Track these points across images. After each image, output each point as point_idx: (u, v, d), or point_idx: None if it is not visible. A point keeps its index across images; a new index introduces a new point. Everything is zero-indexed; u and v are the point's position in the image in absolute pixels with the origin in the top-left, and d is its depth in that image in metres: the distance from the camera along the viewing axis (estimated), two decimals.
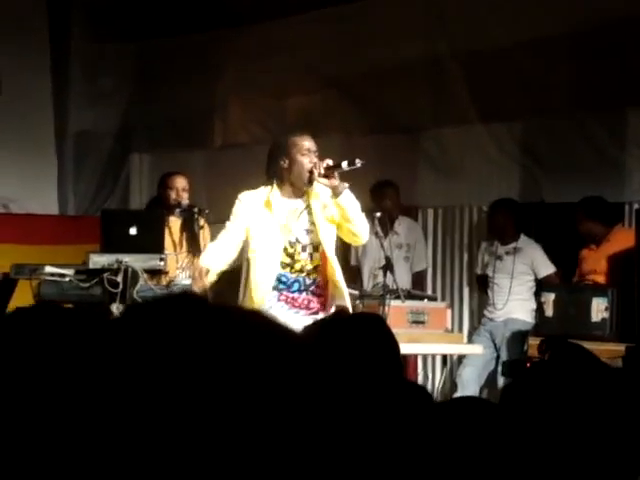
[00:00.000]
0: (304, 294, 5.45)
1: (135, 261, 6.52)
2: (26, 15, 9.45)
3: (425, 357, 8.15)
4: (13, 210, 9.26)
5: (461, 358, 7.72)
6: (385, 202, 7.75)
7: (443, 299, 7.94)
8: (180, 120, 9.30)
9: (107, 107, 9.65)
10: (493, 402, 2.31)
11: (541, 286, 7.45)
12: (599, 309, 6.62)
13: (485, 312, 7.81)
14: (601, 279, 7.11)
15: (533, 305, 7.49)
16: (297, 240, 5.44)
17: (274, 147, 5.53)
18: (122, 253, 6.52)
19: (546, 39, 7.52)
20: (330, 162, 5.34)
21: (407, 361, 7.17)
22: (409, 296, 6.77)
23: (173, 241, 7.08)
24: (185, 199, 7.16)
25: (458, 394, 7.20)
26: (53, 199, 9.59)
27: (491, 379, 7.69)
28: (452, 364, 7.98)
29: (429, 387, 7.82)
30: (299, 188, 5.43)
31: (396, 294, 6.59)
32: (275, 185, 5.44)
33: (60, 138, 9.64)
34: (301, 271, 5.45)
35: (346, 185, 5.34)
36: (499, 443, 1.95)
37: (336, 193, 5.32)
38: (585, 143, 7.46)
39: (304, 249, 5.45)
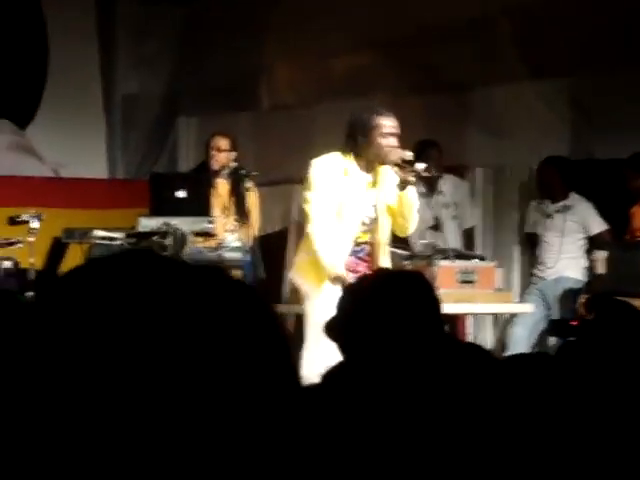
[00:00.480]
0: (351, 258, 5.48)
1: (184, 224, 6.56)
2: None
3: (475, 317, 8.13)
4: (63, 175, 9.32)
5: (511, 317, 7.70)
6: (428, 162, 7.69)
7: (493, 258, 7.90)
8: (227, 83, 9.29)
9: (154, 71, 9.66)
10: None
11: (592, 244, 7.39)
12: None
13: (535, 271, 7.77)
14: None
15: (584, 263, 7.44)
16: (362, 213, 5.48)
17: (357, 123, 5.49)
18: (171, 216, 6.56)
19: None
20: (410, 155, 5.36)
21: (457, 321, 7.16)
22: (458, 256, 6.74)
23: (221, 203, 7.09)
24: (221, 159, 7.14)
25: (509, 353, 7.17)
26: (102, 163, 9.64)
27: (542, 338, 7.66)
28: (503, 323, 7.96)
29: None
30: (372, 164, 5.46)
31: (445, 254, 6.57)
32: (352, 157, 5.45)
33: (108, 102, 9.67)
34: (356, 241, 5.50)
35: (413, 181, 5.36)
36: (558, 400, 1.94)
37: (403, 186, 5.36)
38: (634, 98, 7.36)
39: (364, 223, 5.48)
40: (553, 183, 7.58)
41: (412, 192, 5.43)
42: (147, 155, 9.71)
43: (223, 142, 7.21)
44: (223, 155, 7.17)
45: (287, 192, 8.45)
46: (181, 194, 6.74)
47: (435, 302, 2.40)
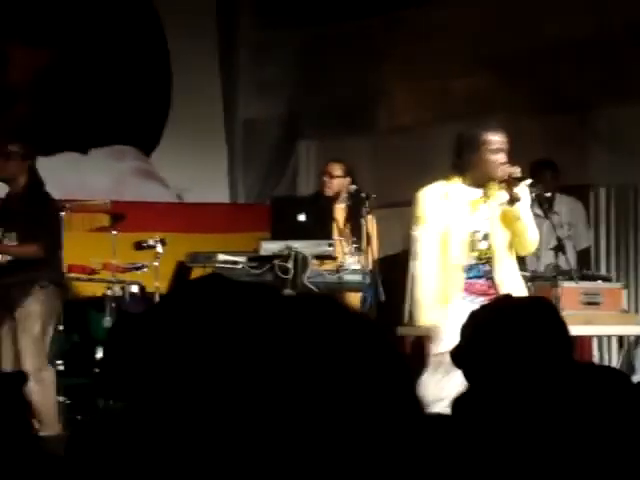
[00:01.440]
0: (482, 280, 5.37)
1: (305, 247, 6.60)
2: (194, 6, 9.64)
3: (600, 339, 7.99)
4: (187, 199, 9.47)
5: (638, 339, 7.54)
6: (544, 182, 7.59)
7: (618, 279, 7.76)
8: (346, 106, 9.34)
9: (275, 95, 9.76)
10: None
11: None
12: None
13: None
14: None
15: None
16: (476, 230, 5.39)
17: (464, 140, 5.41)
18: (292, 240, 6.61)
19: None
20: (519, 171, 5.27)
21: (582, 343, 7.04)
22: (582, 277, 6.63)
23: (339, 227, 7.12)
24: (334, 186, 7.17)
25: (636, 376, 7.04)
26: (224, 188, 9.76)
27: None
28: (629, 345, 7.81)
29: None
30: (481, 180, 5.39)
31: (568, 275, 6.47)
32: (457, 177, 5.39)
33: (229, 127, 9.80)
34: (479, 258, 5.39)
35: (520, 198, 5.27)
36: None
37: (511, 202, 5.27)
38: None
39: (485, 237, 5.39)
40: None
41: (522, 209, 5.32)
42: (267, 179, 9.80)
43: (336, 168, 7.24)
44: (336, 182, 7.20)
45: (407, 214, 8.39)
46: (302, 217, 6.78)
47: (563, 328, 2.36)
